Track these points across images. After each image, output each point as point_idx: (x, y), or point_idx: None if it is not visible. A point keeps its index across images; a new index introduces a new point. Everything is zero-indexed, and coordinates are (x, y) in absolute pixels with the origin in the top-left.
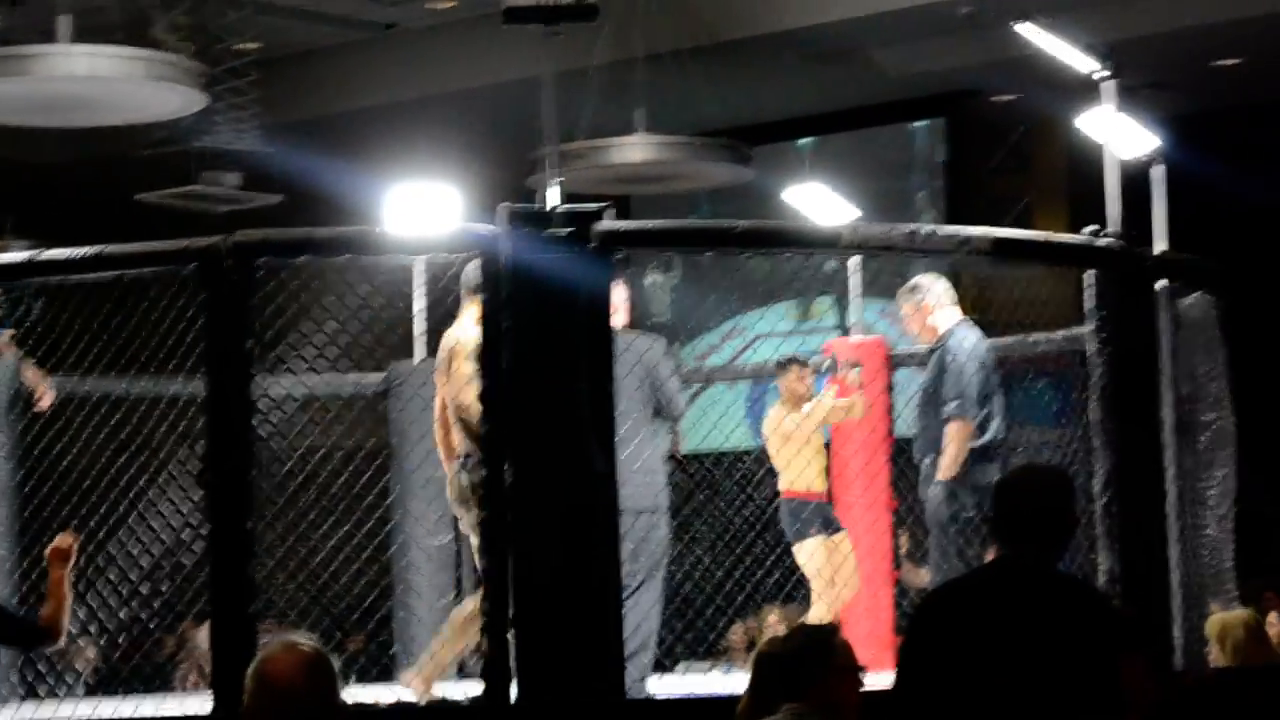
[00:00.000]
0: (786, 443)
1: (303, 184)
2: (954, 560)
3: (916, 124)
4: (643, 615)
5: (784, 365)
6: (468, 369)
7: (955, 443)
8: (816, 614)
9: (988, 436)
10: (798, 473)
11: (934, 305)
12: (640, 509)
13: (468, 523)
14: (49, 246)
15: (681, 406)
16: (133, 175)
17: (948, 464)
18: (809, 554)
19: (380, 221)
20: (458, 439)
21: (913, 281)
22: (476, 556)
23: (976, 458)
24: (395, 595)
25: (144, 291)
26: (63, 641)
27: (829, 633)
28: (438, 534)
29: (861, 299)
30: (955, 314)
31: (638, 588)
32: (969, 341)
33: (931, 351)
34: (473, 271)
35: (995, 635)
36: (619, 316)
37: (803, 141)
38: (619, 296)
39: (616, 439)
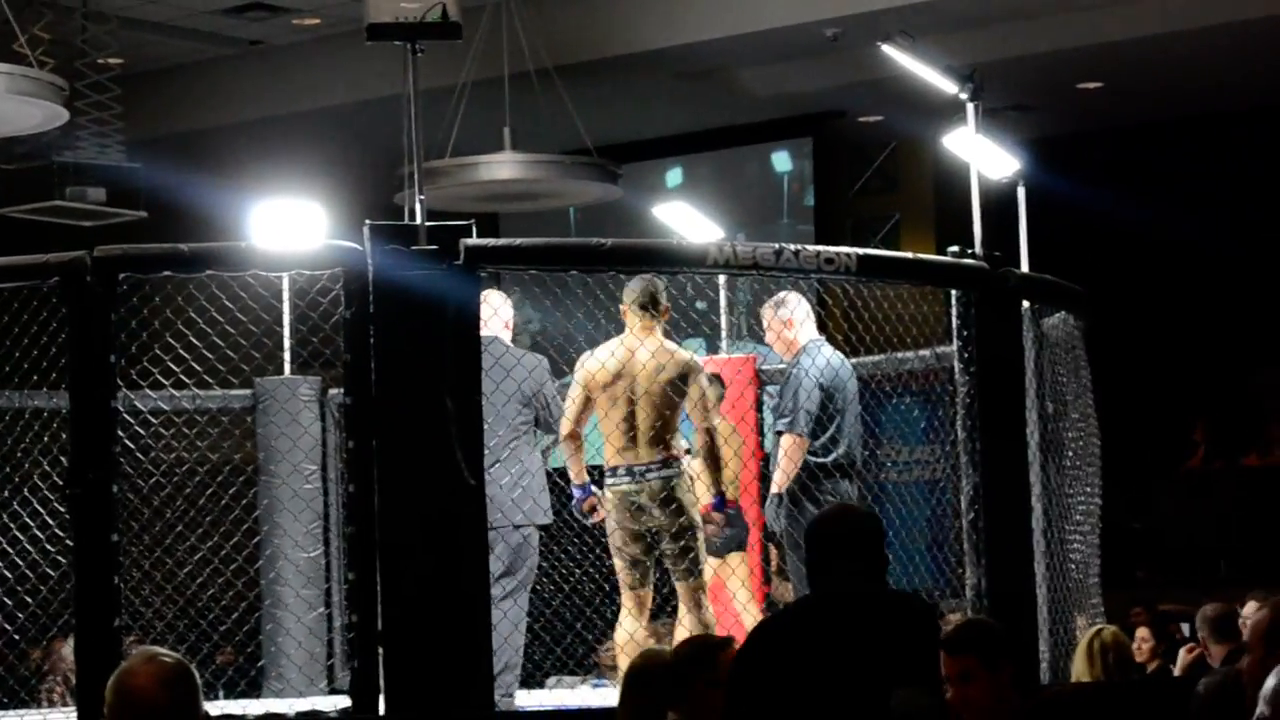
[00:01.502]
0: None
1: (167, 200)
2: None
3: (784, 144)
4: (510, 629)
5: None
6: (701, 388)
7: (787, 456)
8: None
9: (837, 453)
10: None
11: (796, 322)
12: (516, 524)
13: (660, 523)
14: None
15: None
16: None
17: (779, 477)
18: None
19: (246, 237)
20: (647, 449)
21: (779, 295)
22: (670, 563)
23: (826, 473)
24: (264, 608)
25: (5, 305)
26: None
27: (719, 646)
28: (306, 548)
29: (729, 316)
30: (813, 333)
31: (505, 598)
32: (820, 359)
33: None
34: (637, 284)
35: (816, 659)
36: (506, 331)
37: (670, 160)
38: (506, 312)
39: (495, 452)
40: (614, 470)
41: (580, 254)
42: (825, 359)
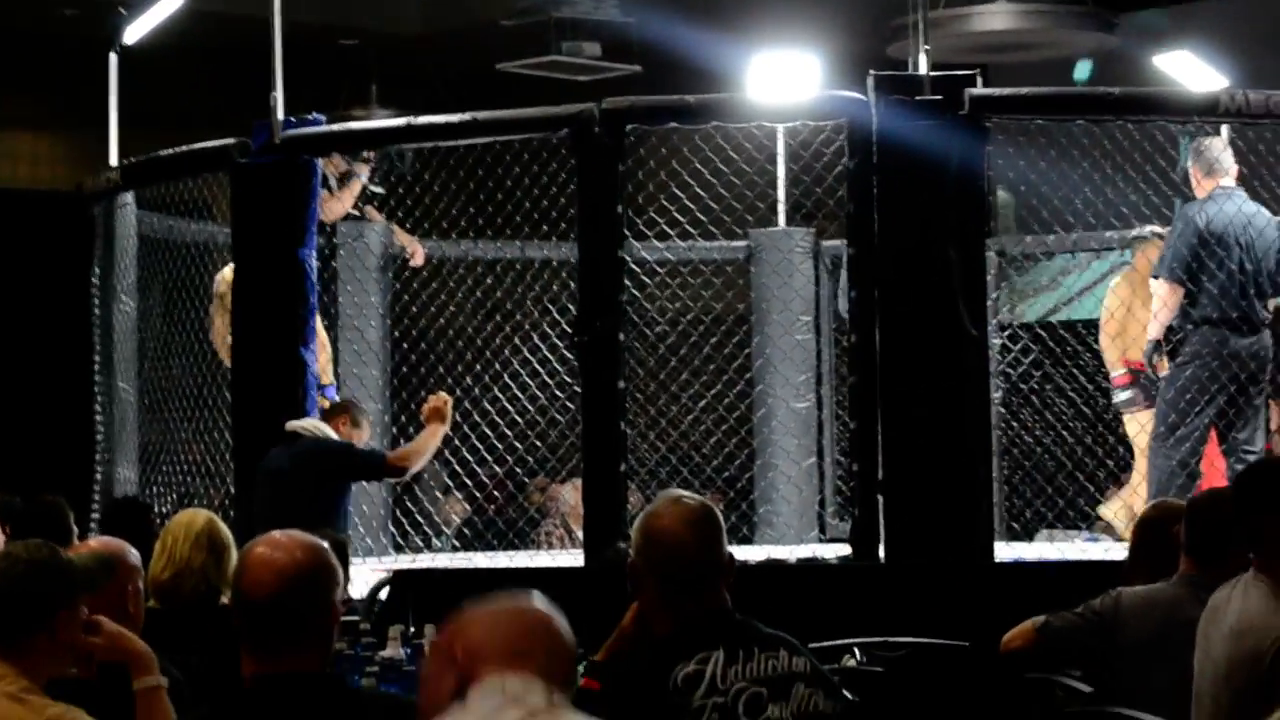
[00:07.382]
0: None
1: (660, 54)
2: None
3: None
4: None
5: (1145, 239)
6: None
7: (1161, 303)
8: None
9: (1214, 305)
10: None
11: (1206, 170)
12: None
13: None
14: (409, 115)
15: None
16: (492, 45)
17: (1153, 324)
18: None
19: (740, 89)
20: None
21: (1197, 142)
22: None
23: (1202, 324)
24: (760, 457)
25: (516, 158)
26: (411, 474)
27: None
28: (800, 397)
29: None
30: (1221, 181)
31: None
32: (1210, 209)
33: None
34: None
35: None
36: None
37: (1167, 9)
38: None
39: None
40: None
41: (1089, 103)
42: (1217, 208)
